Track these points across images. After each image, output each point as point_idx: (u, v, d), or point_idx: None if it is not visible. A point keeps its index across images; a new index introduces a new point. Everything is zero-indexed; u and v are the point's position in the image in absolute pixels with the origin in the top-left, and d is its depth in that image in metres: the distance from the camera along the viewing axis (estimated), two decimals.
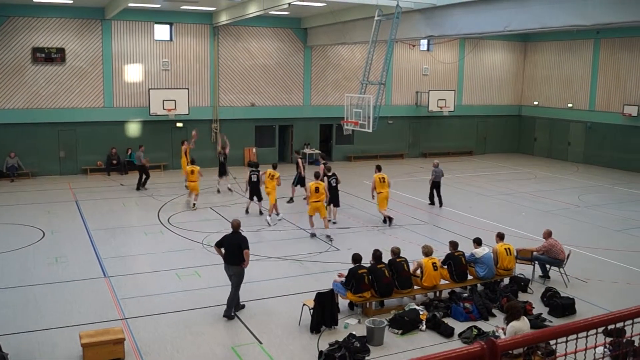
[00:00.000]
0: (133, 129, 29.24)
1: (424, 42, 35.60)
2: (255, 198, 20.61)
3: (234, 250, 12.08)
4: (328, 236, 18.00)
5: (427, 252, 13.30)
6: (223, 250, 12.25)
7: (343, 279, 12.39)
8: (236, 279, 12.13)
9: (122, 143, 28.61)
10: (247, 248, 12.09)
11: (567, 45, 35.55)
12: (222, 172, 24.45)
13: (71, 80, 27.73)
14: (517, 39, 37.80)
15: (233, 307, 12.22)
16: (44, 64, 27.16)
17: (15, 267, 15.13)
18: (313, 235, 18.27)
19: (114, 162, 28.31)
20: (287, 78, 32.29)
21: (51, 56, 27.15)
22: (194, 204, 21.59)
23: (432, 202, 22.91)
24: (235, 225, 12.44)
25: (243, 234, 12.61)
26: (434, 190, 22.78)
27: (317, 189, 18.02)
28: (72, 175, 27.98)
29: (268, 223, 19.58)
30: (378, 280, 12.37)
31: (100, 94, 28.35)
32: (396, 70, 34.52)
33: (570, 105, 35.51)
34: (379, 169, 20.66)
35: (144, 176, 25.01)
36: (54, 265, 15.38)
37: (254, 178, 20.50)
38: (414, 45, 34.87)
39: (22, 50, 26.75)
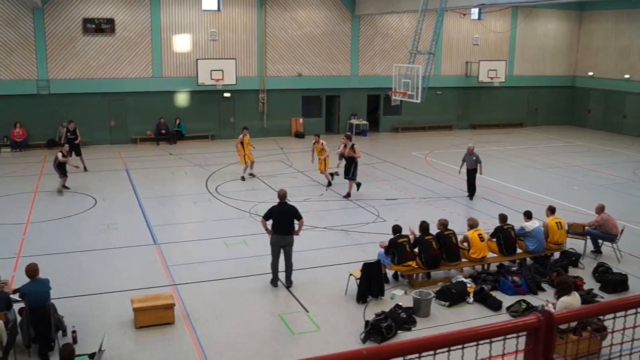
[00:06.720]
0: (181, 99, 29.50)
1: (475, 11, 34.81)
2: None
3: (287, 220, 12.23)
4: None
5: (473, 224, 13.22)
6: (270, 222, 12.24)
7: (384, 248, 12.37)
8: (290, 248, 12.27)
9: (171, 113, 28.92)
10: (302, 217, 12.36)
11: (625, 14, 34.28)
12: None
13: (121, 50, 28.04)
14: (572, 8, 36.58)
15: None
16: (94, 34, 27.50)
17: (68, 234, 15.54)
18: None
19: (163, 131, 28.65)
20: (334, 48, 32.03)
21: (101, 27, 27.46)
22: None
23: (469, 195, 19.52)
24: (282, 195, 12.51)
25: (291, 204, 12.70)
26: (470, 179, 19.41)
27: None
28: (122, 144, 28.43)
29: None
30: (425, 252, 12.31)
31: (149, 64, 28.62)
32: (446, 40, 33.88)
33: (627, 76, 34.33)
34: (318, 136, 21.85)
35: None
36: (106, 232, 15.72)
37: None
38: (464, 14, 34.14)
39: (73, 21, 27.10)
